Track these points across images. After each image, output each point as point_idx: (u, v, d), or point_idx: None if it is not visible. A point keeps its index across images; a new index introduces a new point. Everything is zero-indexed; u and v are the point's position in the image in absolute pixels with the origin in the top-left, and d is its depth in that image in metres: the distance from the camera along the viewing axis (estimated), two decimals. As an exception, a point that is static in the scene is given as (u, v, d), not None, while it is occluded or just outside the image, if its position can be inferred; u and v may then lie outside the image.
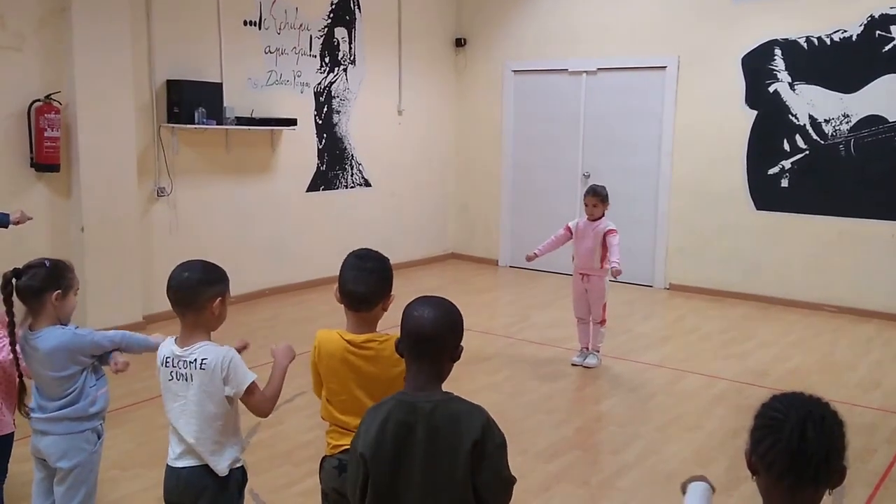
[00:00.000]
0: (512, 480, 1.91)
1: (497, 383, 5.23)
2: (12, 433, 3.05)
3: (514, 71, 8.99)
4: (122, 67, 6.03)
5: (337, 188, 8.24)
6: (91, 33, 5.80)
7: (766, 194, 7.52)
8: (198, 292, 2.38)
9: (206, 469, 2.41)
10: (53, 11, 5.71)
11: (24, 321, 2.69)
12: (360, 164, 8.45)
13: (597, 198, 5.49)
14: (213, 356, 2.36)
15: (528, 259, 5.71)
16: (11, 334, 2.65)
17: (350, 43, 8.13)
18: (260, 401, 2.43)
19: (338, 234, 8.15)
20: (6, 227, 4.47)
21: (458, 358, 1.99)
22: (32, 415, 2.76)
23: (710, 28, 7.65)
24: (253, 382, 2.41)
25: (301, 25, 7.60)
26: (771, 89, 7.40)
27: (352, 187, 8.41)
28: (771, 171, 7.47)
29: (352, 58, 8.17)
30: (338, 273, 2.44)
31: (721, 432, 4.49)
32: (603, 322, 5.58)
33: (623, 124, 8.29)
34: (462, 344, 2.00)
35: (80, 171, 5.87)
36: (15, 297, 2.65)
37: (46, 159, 5.69)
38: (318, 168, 7.99)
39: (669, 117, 7.95)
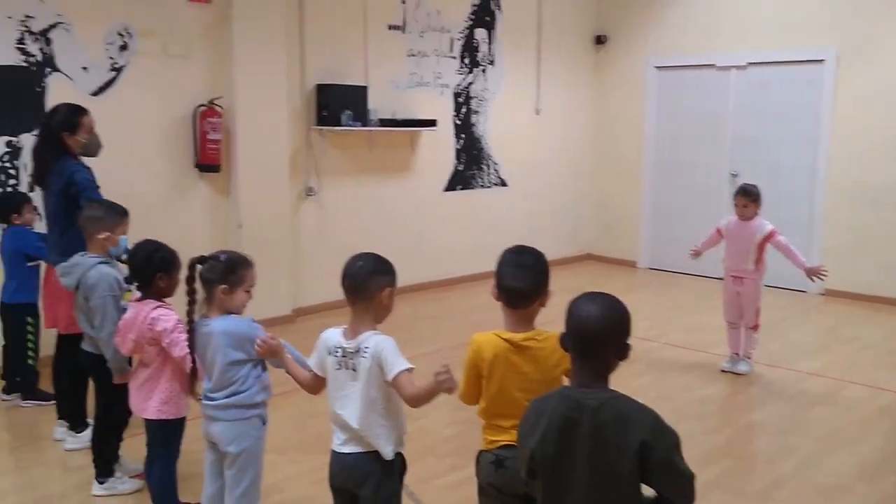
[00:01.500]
0: (691, 476, 1.86)
1: (642, 387, 5.09)
2: (185, 416, 3.25)
3: (657, 67, 8.75)
4: (277, 73, 6.34)
5: (474, 188, 8.31)
6: (250, 41, 6.13)
7: (936, 194, 6.94)
8: (370, 281, 2.46)
9: (371, 455, 2.47)
10: (217, 20, 6.08)
11: (201, 308, 2.87)
12: (496, 164, 8.47)
13: (748, 198, 5.25)
14: (373, 342, 2.43)
15: (693, 255, 5.47)
16: (189, 317, 2.83)
17: (489, 43, 8.18)
18: (407, 393, 2.42)
19: (473, 234, 8.23)
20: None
21: (626, 356, 1.95)
22: (203, 402, 2.93)
23: (873, 16, 7.14)
24: (404, 373, 2.40)
25: (443, 28, 7.71)
26: (944, 80, 6.83)
27: (488, 187, 8.45)
28: (943, 169, 6.89)
29: (491, 58, 8.22)
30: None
31: (889, 447, 4.18)
32: (756, 327, 5.32)
33: (775, 121, 7.89)
34: (630, 342, 1.96)
35: (239, 171, 6.22)
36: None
37: (209, 160, 6.06)
38: (455, 168, 8.09)
39: (827, 113, 7.49)
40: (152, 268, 3.07)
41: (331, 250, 7.01)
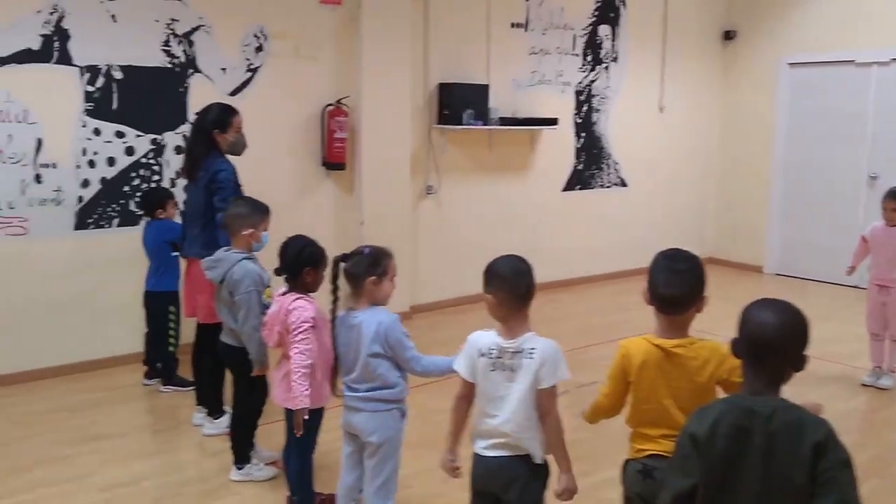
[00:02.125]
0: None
1: (775, 398, 4.86)
2: (324, 407, 3.32)
3: (790, 64, 8.34)
4: (401, 73, 6.42)
5: (592, 188, 8.16)
6: (377, 42, 6.23)
7: None
8: (529, 282, 2.47)
9: (519, 459, 2.45)
10: (345, 22, 6.21)
11: (346, 302, 2.93)
12: (616, 164, 8.30)
13: (897, 202, 4.92)
14: (540, 345, 2.41)
15: (849, 272, 5.32)
16: (333, 314, 2.89)
17: (613, 40, 8.01)
18: (546, 410, 2.42)
19: (591, 235, 8.09)
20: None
21: (803, 368, 1.84)
22: (345, 393, 2.99)
23: None
24: (555, 387, 2.40)
25: (566, 25, 7.61)
26: None
27: (607, 187, 8.28)
28: None
29: (614, 55, 8.05)
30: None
31: None
32: (902, 340, 4.99)
33: (921, 119, 7.37)
34: (807, 353, 1.85)
35: (363, 169, 6.33)
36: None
37: (335, 158, 6.20)
38: (574, 167, 7.97)
39: (982, 110, 6.94)
40: (301, 262, 3.16)
41: (448, 249, 7.05)
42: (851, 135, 7.89)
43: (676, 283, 2.29)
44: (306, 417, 3.05)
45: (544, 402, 2.42)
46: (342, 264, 2.91)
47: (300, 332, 3.07)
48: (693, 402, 2.30)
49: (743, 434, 1.78)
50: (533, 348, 2.40)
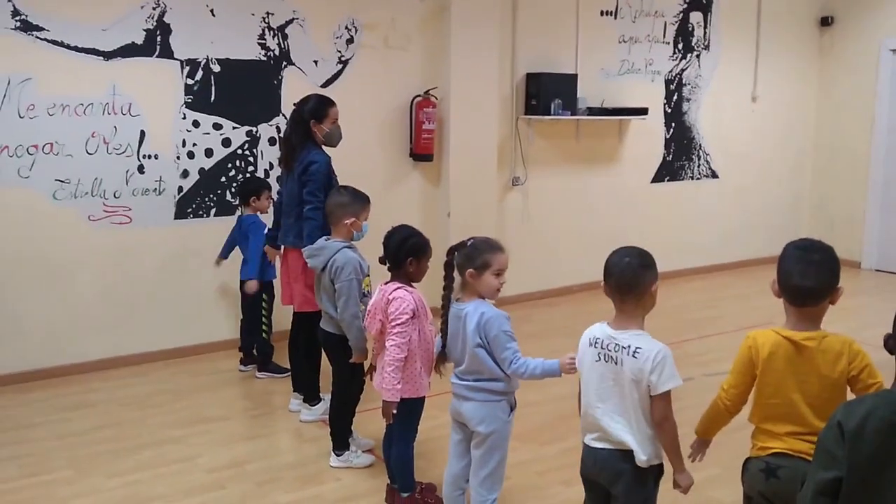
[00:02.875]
0: None
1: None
2: (424, 397, 3.33)
3: (893, 50, 7.94)
4: (489, 63, 6.38)
5: (682, 179, 7.96)
6: (465, 32, 6.20)
7: None
8: (640, 276, 2.39)
9: (622, 454, 2.40)
10: (434, 12, 6.20)
11: (457, 293, 2.93)
12: (707, 155, 8.07)
13: None
14: (648, 346, 2.35)
15: None
16: (444, 301, 2.89)
17: (705, 27, 7.78)
18: (663, 416, 2.35)
19: (681, 228, 7.90)
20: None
21: None
22: (452, 380, 2.98)
23: None
24: (669, 392, 2.34)
25: (656, 13, 7.43)
26: None
27: (697, 178, 8.07)
28: None
29: (706, 43, 7.82)
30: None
31: None
32: None
33: None
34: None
35: (450, 161, 6.32)
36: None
37: (423, 149, 6.21)
38: (664, 158, 7.78)
39: None
40: (404, 252, 3.17)
41: (534, 241, 6.99)
42: (961, 123, 7.47)
43: (811, 275, 2.21)
44: (394, 412, 3.08)
45: (657, 410, 2.36)
46: (455, 254, 2.90)
47: (397, 325, 3.09)
48: (822, 398, 2.21)
49: (894, 430, 1.68)
50: (639, 348, 2.35)
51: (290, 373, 4.62)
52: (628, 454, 2.40)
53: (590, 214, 7.32)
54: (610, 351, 2.40)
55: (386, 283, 3.23)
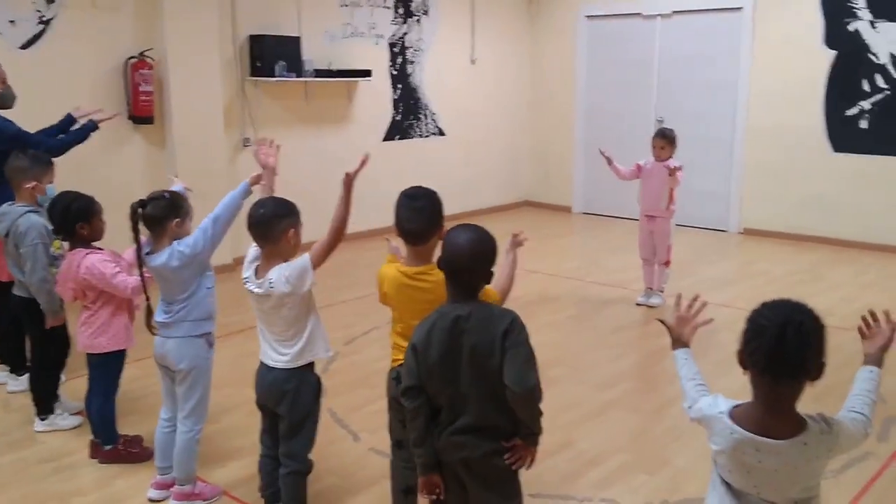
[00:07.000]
0: (533, 383, 2.12)
1: (559, 321, 5.45)
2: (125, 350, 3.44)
3: (588, 16, 8.97)
4: (208, 24, 6.41)
5: (412, 137, 8.49)
6: (179, -8, 6.17)
7: (844, 136, 7.37)
8: (272, 225, 2.69)
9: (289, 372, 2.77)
10: (145, -28, 6.11)
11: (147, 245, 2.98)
12: (434, 114, 8.66)
13: (664, 140, 5.56)
14: (275, 274, 2.69)
15: (606, 159, 5.64)
16: (139, 258, 2.95)
17: (423, -7, 8.29)
18: (319, 245, 2.74)
19: (414, 182, 8.37)
20: (87, 136, 4.71)
21: (490, 281, 2.28)
22: (156, 319, 3.05)
23: (789, -35, 7.45)
24: (307, 255, 2.71)
25: (375, -22, 7.80)
26: (850, 28, 7.19)
27: (426, 136, 8.64)
28: (849, 113, 7.30)
29: (425, 9, 8.33)
30: None
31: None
32: (667, 263, 5.69)
33: (698, 68, 8.21)
34: (493, 269, 2.27)
35: (173, 123, 6.31)
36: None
37: (142, 112, 6.14)
38: (393, 118, 8.25)
39: (746, 60, 7.83)
40: (71, 218, 3.22)
41: (269, 200, 7.16)
42: (641, 83, 8.65)
43: (416, 219, 2.61)
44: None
45: (317, 256, 2.75)
46: (139, 210, 2.92)
47: (115, 278, 3.18)
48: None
49: (447, 335, 2.18)
50: (271, 279, 2.74)
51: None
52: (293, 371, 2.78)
53: (324, 173, 7.60)
54: (256, 296, 2.77)
55: (71, 252, 3.28)
